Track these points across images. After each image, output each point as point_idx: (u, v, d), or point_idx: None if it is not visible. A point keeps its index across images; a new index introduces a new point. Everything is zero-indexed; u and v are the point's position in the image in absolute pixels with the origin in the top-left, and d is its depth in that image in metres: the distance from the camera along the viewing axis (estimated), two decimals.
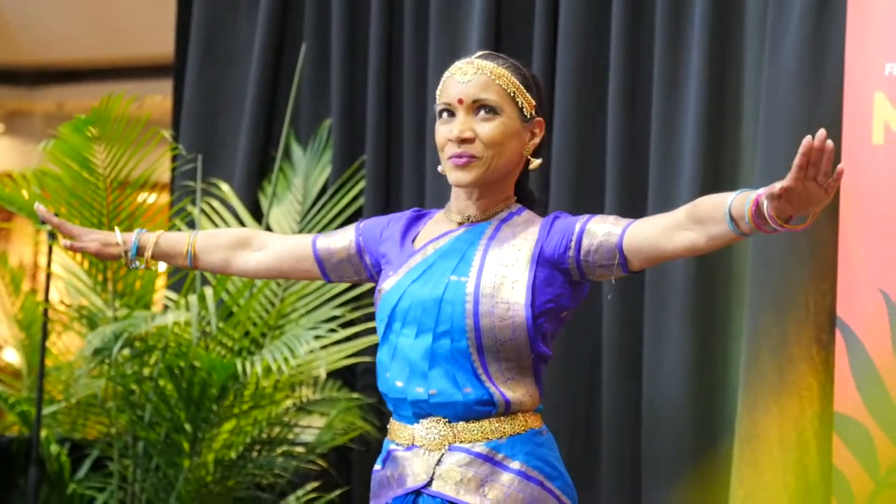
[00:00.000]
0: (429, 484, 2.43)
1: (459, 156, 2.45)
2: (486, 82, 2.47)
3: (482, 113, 2.46)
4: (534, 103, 2.51)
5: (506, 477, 2.41)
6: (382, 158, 4.61)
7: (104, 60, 7.38)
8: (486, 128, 2.46)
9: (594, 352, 4.11)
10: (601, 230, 2.41)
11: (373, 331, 4.22)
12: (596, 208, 3.97)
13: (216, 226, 4.58)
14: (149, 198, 4.52)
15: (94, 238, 2.75)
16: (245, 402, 4.27)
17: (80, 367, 4.38)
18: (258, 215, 4.69)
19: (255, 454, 4.37)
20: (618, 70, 4.07)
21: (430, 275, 2.47)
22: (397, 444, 2.49)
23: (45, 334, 4.28)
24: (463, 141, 2.45)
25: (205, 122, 4.96)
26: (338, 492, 4.48)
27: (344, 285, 4.47)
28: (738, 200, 2.19)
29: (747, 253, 3.75)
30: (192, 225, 4.57)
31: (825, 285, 3.60)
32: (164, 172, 4.83)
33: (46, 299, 4.36)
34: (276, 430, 4.41)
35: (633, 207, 3.95)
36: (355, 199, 4.65)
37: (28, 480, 4.23)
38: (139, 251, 2.73)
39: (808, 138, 2.04)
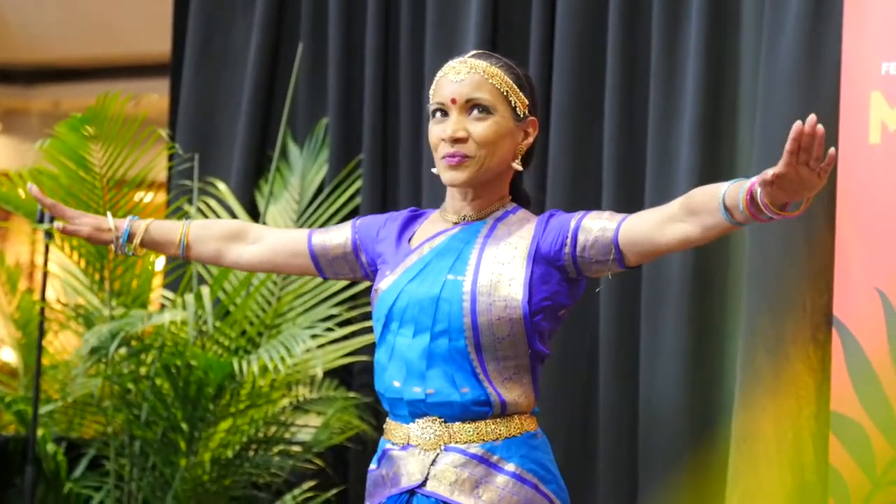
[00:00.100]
0: (423, 484, 2.42)
1: (452, 155, 2.45)
2: (480, 81, 2.46)
3: (475, 112, 2.46)
4: (527, 102, 2.50)
5: (501, 479, 2.41)
6: (379, 157, 4.61)
7: (101, 59, 7.37)
8: (479, 127, 2.45)
9: (591, 351, 4.11)
10: (596, 226, 2.41)
11: (369, 330, 4.23)
12: (592, 208, 3.92)
13: None
14: (145, 197, 4.52)
15: (86, 222, 2.73)
16: (242, 402, 4.27)
17: (77, 366, 4.38)
18: (255, 214, 4.69)
19: (251, 453, 4.37)
20: (614, 70, 4.07)
21: (427, 273, 2.46)
22: (393, 444, 2.48)
23: (41, 333, 4.27)
24: (456, 140, 2.44)
25: (201, 121, 4.96)
26: (334, 491, 4.48)
27: (340, 284, 4.47)
28: (732, 190, 2.19)
29: (744, 252, 3.75)
30: None
31: (822, 284, 3.60)
32: (160, 171, 4.83)
33: (43, 298, 4.36)
34: (273, 429, 4.41)
35: (630, 207, 3.91)
36: (352, 198, 4.65)
37: (24, 479, 4.23)
38: (130, 238, 2.71)
39: (798, 123, 2.04)
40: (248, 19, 4.91)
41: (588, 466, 4.07)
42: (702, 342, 3.87)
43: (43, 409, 4.44)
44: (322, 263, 2.66)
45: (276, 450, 4.41)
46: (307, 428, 4.48)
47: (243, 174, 4.79)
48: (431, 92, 2.51)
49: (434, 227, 2.55)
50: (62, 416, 4.62)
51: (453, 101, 2.46)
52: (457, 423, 2.43)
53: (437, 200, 2.66)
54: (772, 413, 3.59)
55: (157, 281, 4.67)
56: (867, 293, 3.45)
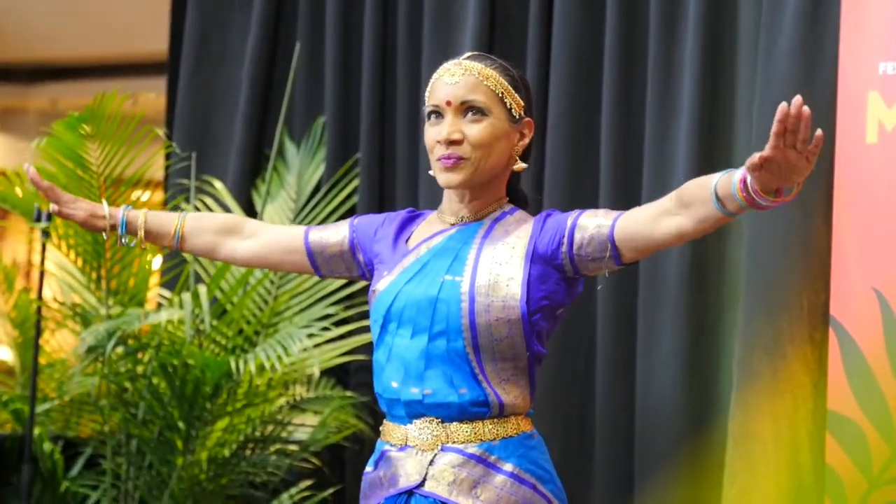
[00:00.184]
0: (421, 484, 2.42)
1: (448, 157, 2.45)
2: (474, 83, 2.46)
3: (470, 114, 2.46)
4: (522, 104, 2.50)
5: (499, 479, 2.41)
6: (376, 156, 4.61)
7: (98, 58, 7.36)
8: (474, 129, 2.45)
9: (588, 350, 4.11)
10: (592, 223, 2.41)
11: (366, 329, 4.23)
12: (589, 208, 3.96)
13: None
14: (143, 195, 4.52)
15: (82, 206, 2.70)
16: (238, 401, 4.27)
17: (74, 364, 4.38)
18: (252, 213, 4.68)
19: (248, 452, 4.37)
20: (611, 71, 4.07)
21: (425, 274, 2.46)
22: (390, 445, 2.48)
23: (38, 332, 4.27)
24: (451, 142, 2.44)
25: (199, 119, 4.96)
26: (331, 490, 4.48)
27: (337, 283, 4.46)
28: (724, 180, 2.19)
29: (741, 252, 3.75)
30: None
31: (819, 284, 3.60)
32: (157, 170, 4.83)
33: (40, 297, 4.36)
34: (270, 428, 4.41)
35: (627, 208, 3.92)
36: (349, 197, 4.65)
37: (21, 478, 4.23)
38: (128, 228, 2.70)
39: (783, 105, 2.03)
40: (246, 18, 4.91)
41: (585, 465, 4.07)
42: (699, 342, 3.87)
43: (40, 408, 4.44)
44: (318, 261, 2.66)
45: (272, 449, 4.41)
46: (304, 427, 4.48)
47: (240, 173, 4.79)
48: (427, 94, 2.51)
49: (431, 228, 2.54)
50: (59, 415, 4.62)
51: (448, 103, 2.46)
52: (454, 424, 2.43)
53: (434, 200, 2.66)
54: (769, 412, 3.59)
55: (154, 280, 4.67)
56: (864, 293, 3.45)
